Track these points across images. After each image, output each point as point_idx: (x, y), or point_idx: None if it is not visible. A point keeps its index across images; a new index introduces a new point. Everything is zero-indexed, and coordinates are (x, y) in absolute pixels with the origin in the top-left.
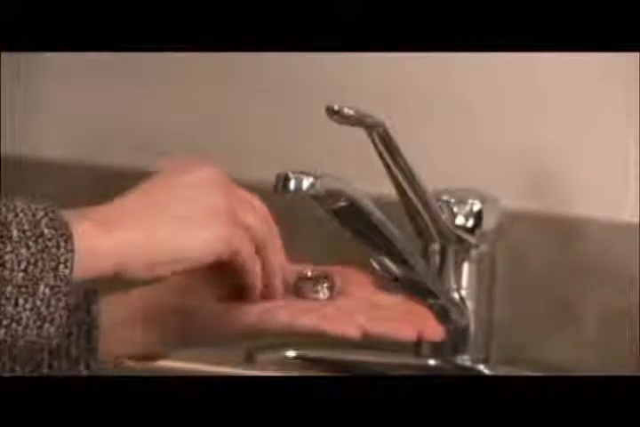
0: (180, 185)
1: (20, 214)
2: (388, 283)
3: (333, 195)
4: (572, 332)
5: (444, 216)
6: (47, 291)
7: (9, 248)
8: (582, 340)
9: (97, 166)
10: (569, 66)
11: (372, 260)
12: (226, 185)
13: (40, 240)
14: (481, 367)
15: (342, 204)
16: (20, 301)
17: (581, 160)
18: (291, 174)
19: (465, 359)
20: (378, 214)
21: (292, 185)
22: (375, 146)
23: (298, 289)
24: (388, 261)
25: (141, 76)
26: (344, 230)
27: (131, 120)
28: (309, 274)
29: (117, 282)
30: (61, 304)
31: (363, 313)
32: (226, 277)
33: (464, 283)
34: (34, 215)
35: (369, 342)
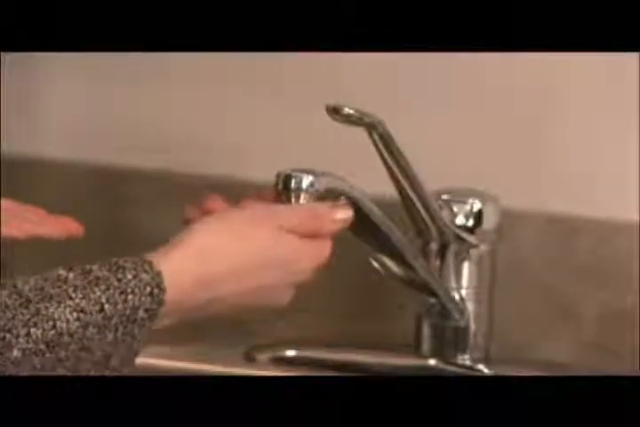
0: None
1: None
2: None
3: (333, 194)
4: (571, 332)
5: (444, 216)
6: (144, 315)
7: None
8: (582, 340)
9: (97, 166)
10: (568, 66)
11: (371, 259)
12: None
13: (128, 271)
14: (481, 367)
15: (342, 203)
16: (120, 328)
17: (581, 160)
18: (291, 173)
19: (465, 359)
20: (378, 214)
21: (292, 184)
22: (375, 146)
23: None
24: (388, 261)
25: (141, 76)
26: (344, 230)
27: (131, 120)
28: None
29: None
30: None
31: None
32: None
33: (464, 283)
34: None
35: (369, 343)
